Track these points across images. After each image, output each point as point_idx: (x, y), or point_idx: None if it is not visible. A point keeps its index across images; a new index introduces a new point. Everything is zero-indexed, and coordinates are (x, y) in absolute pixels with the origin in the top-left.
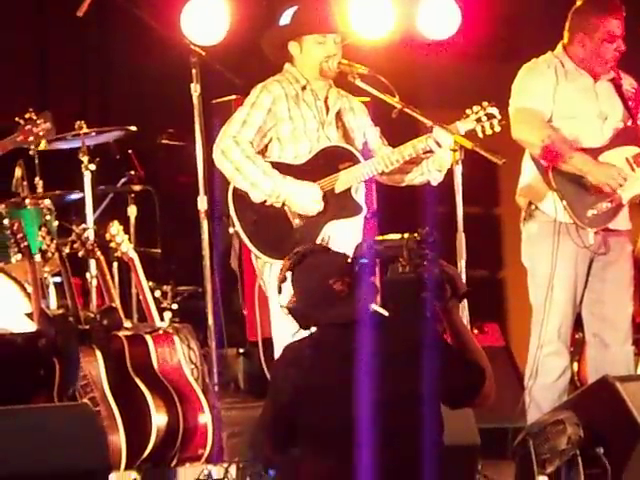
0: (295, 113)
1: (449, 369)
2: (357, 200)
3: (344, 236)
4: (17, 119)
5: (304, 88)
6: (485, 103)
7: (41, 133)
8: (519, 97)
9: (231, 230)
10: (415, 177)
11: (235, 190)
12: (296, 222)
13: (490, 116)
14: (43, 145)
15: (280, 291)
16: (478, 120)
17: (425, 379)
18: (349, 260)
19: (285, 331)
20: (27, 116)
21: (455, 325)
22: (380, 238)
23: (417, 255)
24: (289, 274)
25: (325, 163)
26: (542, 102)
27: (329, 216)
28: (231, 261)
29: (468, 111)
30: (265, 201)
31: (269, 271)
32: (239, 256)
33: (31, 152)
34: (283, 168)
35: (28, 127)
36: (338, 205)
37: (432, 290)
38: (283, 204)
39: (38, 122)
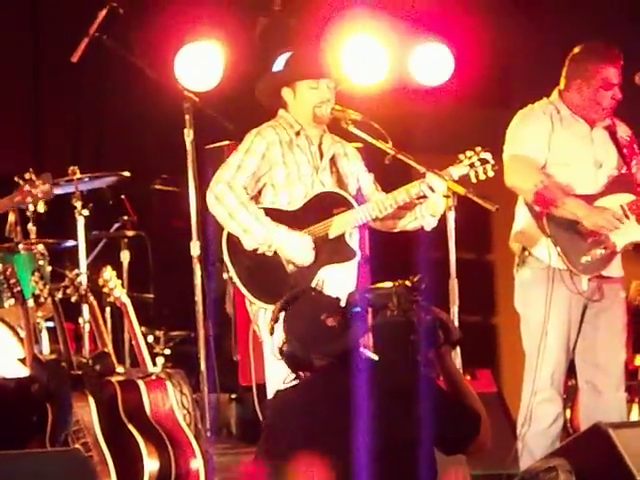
0: (289, 159)
1: (443, 414)
2: (351, 245)
3: (338, 281)
4: (16, 179)
5: (298, 133)
6: (478, 148)
7: (40, 195)
8: (513, 144)
9: (225, 276)
10: (408, 222)
11: (229, 235)
12: (290, 267)
13: (483, 161)
14: (41, 207)
15: (272, 332)
16: (471, 165)
17: (418, 424)
18: (341, 303)
19: (278, 376)
20: (27, 177)
21: (448, 371)
22: (372, 287)
23: (406, 300)
24: (282, 315)
25: (319, 208)
26: (537, 149)
27: (323, 261)
28: (226, 306)
29: (461, 156)
30: (257, 249)
31: (263, 316)
32: (233, 301)
33: (28, 213)
34: (276, 214)
35: (27, 188)
36: (332, 250)
37: (423, 335)
38: (274, 253)
39: (37, 183)
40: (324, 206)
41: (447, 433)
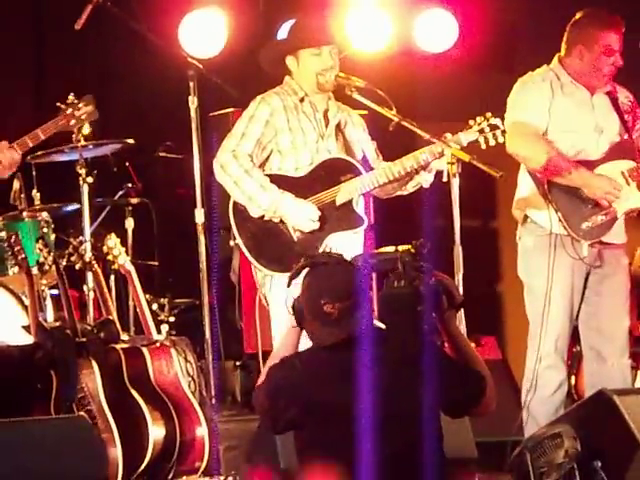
0: (294, 124)
1: (449, 380)
2: (358, 212)
3: (345, 248)
4: (58, 104)
5: (302, 100)
6: (488, 114)
7: (83, 117)
8: (514, 111)
9: (232, 243)
10: (407, 185)
11: (235, 204)
12: (297, 235)
13: (493, 127)
14: (86, 129)
15: (289, 285)
16: (481, 131)
17: (425, 392)
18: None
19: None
20: (69, 100)
21: (453, 335)
22: (375, 252)
23: (412, 268)
24: (302, 273)
25: (326, 175)
26: (537, 116)
27: (330, 228)
28: (231, 274)
29: (471, 122)
30: (263, 216)
31: (269, 284)
32: (238, 269)
33: (75, 138)
34: (284, 181)
35: (70, 111)
36: (339, 217)
37: (428, 302)
38: (281, 220)
39: (80, 105)
40: (331, 173)
41: (453, 397)
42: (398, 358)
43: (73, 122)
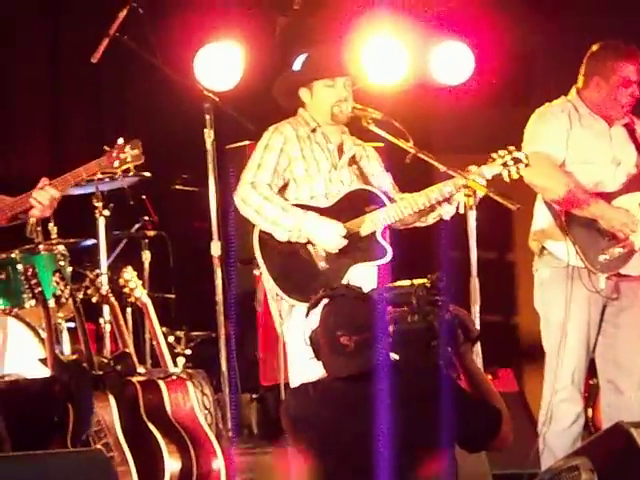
0: (307, 153)
1: (465, 414)
2: (382, 243)
3: (366, 279)
4: (105, 147)
5: (314, 130)
6: (511, 147)
7: (129, 159)
8: (532, 142)
9: (256, 272)
10: (429, 216)
11: (261, 235)
12: (321, 265)
13: (517, 160)
14: (131, 171)
15: (307, 315)
16: (505, 164)
17: (440, 426)
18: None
19: (303, 376)
20: (117, 144)
21: (469, 369)
22: (391, 285)
23: (427, 302)
24: (321, 304)
25: (351, 206)
26: (555, 147)
27: (355, 259)
28: (256, 305)
29: (494, 155)
30: (290, 242)
31: (290, 316)
32: (261, 300)
33: (117, 176)
34: (310, 210)
35: (115, 153)
36: (364, 248)
37: (443, 336)
38: (307, 243)
39: (126, 149)
40: (356, 203)
41: (469, 431)
42: (413, 392)
43: (117, 164)
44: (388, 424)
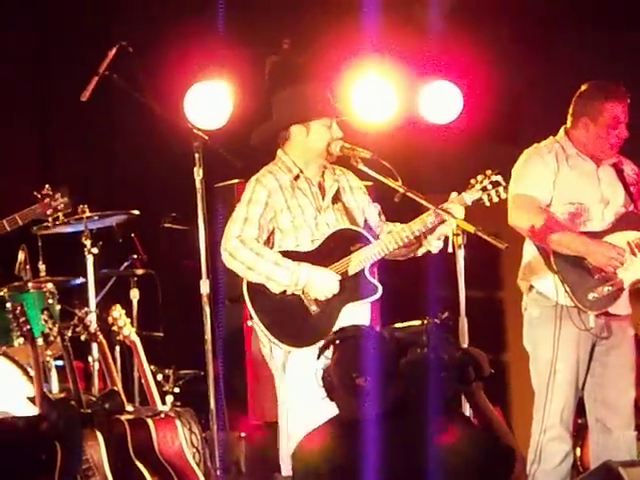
0: (292, 203)
1: (477, 451)
2: (371, 280)
3: (361, 318)
4: (35, 193)
5: (297, 177)
6: (488, 171)
7: (60, 207)
8: (518, 183)
9: (249, 323)
10: (417, 249)
11: (249, 284)
12: (313, 309)
13: (495, 184)
14: (61, 219)
15: (318, 357)
16: (484, 189)
17: (452, 465)
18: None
19: (296, 417)
20: (45, 191)
21: (480, 407)
22: (401, 325)
23: (435, 337)
24: (331, 347)
25: (336, 246)
26: (541, 189)
27: (345, 299)
28: (252, 347)
29: (472, 181)
30: (284, 291)
31: (285, 361)
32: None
33: (48, 223)
34: (295, 256)
35: (47, 200)
36: (353, 287)
37: (453, 372)
38: (302, 292)
39: (56, 197)
40: (341, 244)
41: (482, 469)
42: (422, 431)
43: (50, 212)
44: (399, 460)
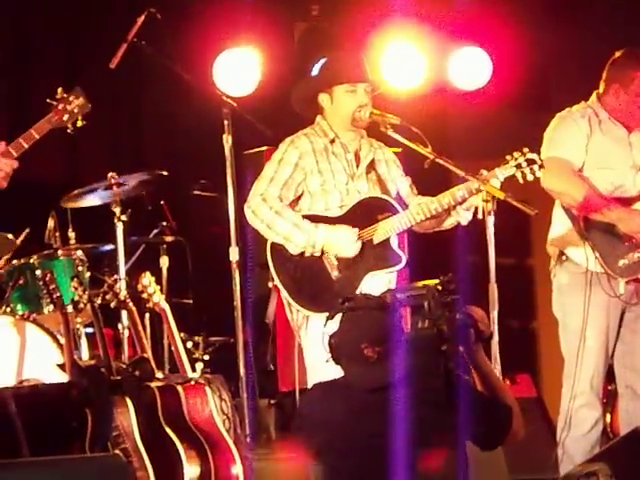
0: (324, 166)
1: (477, 413)
2: (396, 250)
3: (384, 287)
4: (49, 100)
5: (333, 141)
6: (525, 149)
7: (76, 110)
8: (551, 146)
9: (270, 284)
10: (446, 221)
11: (273, 245)
12: (335, 274)
13: (530, 162)
14: (80, 123)
15: (325, 325)
16: (518, 166)
17: (452, 427)
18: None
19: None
20: (58, 96)
21: (480, 368)
22: (403, 286)
23: (438, 305)
24: (338, 315)
25: (363, 214)
26: (574, 152)
27: (369, 267)
28: (266, 319)
29: (508, 157)
30: (303, 253)
31: (305, 325)
32: (275, 310)
33: (69, 130)
34: (321, 220)
35: (61, 106)
36: (377, 256)
37: (454, 336)
38: (322, 253)
39: (70, 99)
40: (368, 212)
41: (481, 430)
42: (424, 395)
43: (66, 117)
44: (401, 428)
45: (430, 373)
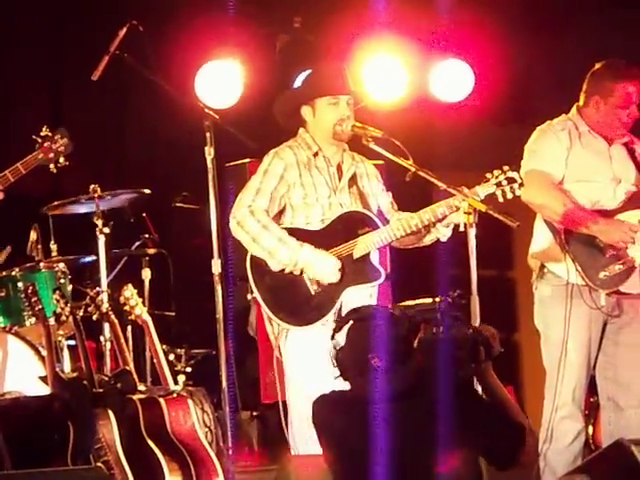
0: (306, 180)
1: (488, 429)
2: (375, 265)
3: (363, 302)
4: (34, 137)
5: (316, 154)
6: (506, 167)
7: (60, 149)
8: (531, 159)
9: (249, 297)
10: (425, 237)
11: (253, 257)
12: (314, 288)
13: (510, 180)
14: (62, 161)
15: (332, 337)
16: (498, 184)
17: (463, 442)
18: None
19: (299, 395)
20: (43, 133)
21: (490, 386)
22: (410, 303)
23: (449, 317)
24: (346, 327)
25: (344, 228)
26: (554, 165)
27: (348, 282)
28: (248, 329)
29: (488, 175)
30: (283, 270)
31: (285, 338)
32: (256, 322)
33: (52, 169)
34: (302, 234)
35: (47, 144)
36: (356, 271)
37: (465, 351)
38: (301, 272)
39: (55, 138)
40: (349, 226)
41: (494, 447)
42: (435, 409)
43: (52, 155)
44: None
45: (440, 380)
